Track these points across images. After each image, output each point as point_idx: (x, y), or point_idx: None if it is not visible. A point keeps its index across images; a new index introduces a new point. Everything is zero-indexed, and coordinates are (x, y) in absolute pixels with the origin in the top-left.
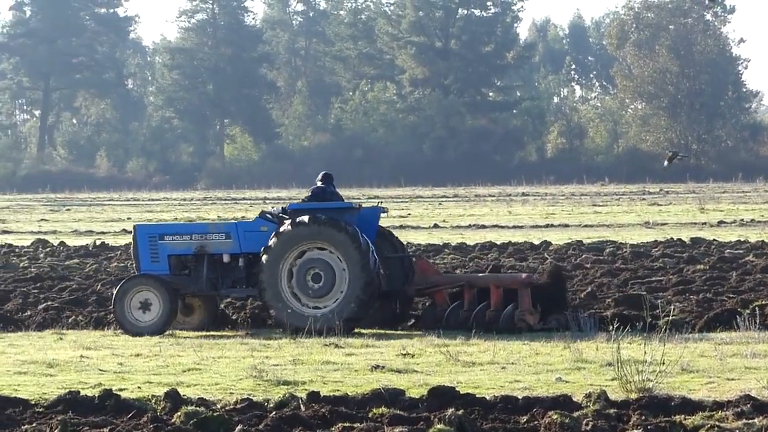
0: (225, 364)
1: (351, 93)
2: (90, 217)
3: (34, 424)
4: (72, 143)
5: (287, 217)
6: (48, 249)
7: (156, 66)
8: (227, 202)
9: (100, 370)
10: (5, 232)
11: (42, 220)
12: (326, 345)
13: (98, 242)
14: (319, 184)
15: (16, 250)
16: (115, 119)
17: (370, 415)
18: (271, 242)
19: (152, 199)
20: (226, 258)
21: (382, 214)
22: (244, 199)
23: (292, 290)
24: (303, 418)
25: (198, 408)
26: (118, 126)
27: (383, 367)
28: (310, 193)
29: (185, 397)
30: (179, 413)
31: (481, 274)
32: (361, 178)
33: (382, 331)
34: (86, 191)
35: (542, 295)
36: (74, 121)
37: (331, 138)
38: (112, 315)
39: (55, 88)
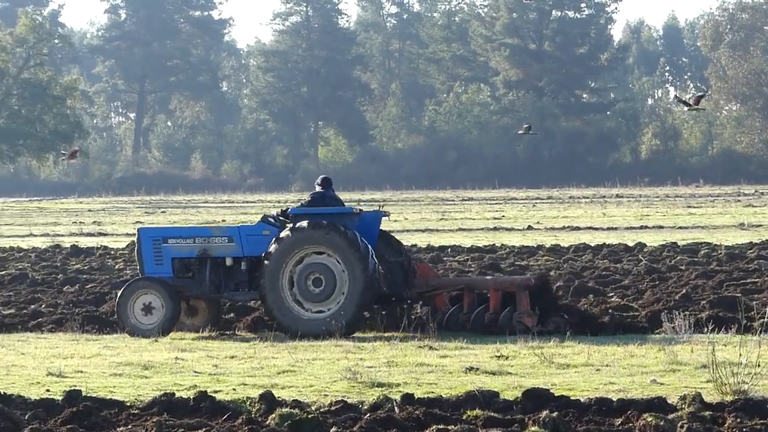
0: (319, 366)
1: (445, 95)
2: (185, 219)
3: (129, 426)
4: (167, 145)
5: (288, 220)
6: None
7: (250, 68)
8: None
9: (195, 371)
10: (101, 234)
11: (137, 222)
12: (420, 347)
13: None
14: (318, 188)
15: (112, 252)
16: (210, 121)
17: (464, 417)
18: (271, 248)
19: (246, 201)
20: (228, 261)
21: (383, 218)
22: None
23: (294, 295)
24: (397, 420)
25: (292, 410)
26: (213, 128)
27: (477, 369)
28: (309, 198)
29: (280, 399)
30: (274, 415)
31: (479, 277)
32: (455, 180)
33: (468, 335)
34: (181, 193)
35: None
36: (169, 123)
37: (425, 140)
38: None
39: (150, 90)
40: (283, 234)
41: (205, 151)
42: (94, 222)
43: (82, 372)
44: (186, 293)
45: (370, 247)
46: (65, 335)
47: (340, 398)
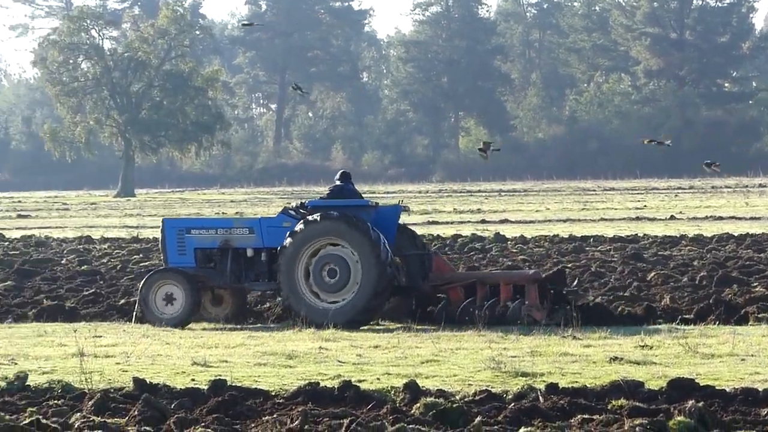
0: (463, 355)
1: (585, 85)
2: None
3: (274, 415)
4: (308, 136)
5: (307, 212)
6: None
7: (390, 59)
8: (462, 194)
9: (339, 361)
10: None
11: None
12: (564, 337)
13: None
14: (337, 182)
15: None
16: (350, 112)
17: (609, 406)
18: (286, 242)
19: (387, 192)
20: (249, 252)
21: (402, 212)
22: (479, 191)
23: (310, 287)
24: (542, 409)
25: (437, 399)
26: (353, 119)
27: (621, 358)
28: (328, 191)
29: (424, 388)
30: (418, 404)
31: (492, 271)
32: (596, 169)
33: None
34: (322, 184)
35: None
36: (310, 114)
37: (566, 130)
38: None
39: (290, 81)
40: (297, 227)
41: (345, 142)
42: (237, 213)
43: (226, 361)
44: (207, 283)
45: (383, 237)
46: (209, 325)
47: (484, 388)
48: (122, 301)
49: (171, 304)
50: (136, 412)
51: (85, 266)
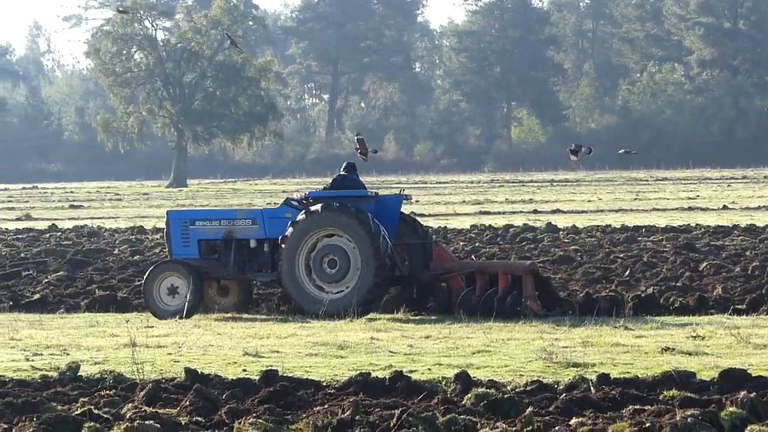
0: (514, 345)
1: (638, 74)
2: None
3: (325, 406)
4: (360, 126)
5: (309, 203)
6: None
7: (443, 49)
8: (514, 184)
9: (390, 351)
10: None
11: None
12: (615, 327)
13: None
14: (342, 171)
15: None
16: (403, 102)
17: (660, 397)
18: (288, 232)
19: (440, 182)
20: (252, 243)
21: (404, 202)
22: (531, 181)
23: (311, 276)
24: (593, 400)
25: (488, 390)
26: (406, 109)
27: (673, 349)
28: (331, 182)
29: (475, 378)
30: (469, 395)
31: (490, 261)
32: (648, 159)
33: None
34: (374, 174)
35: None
36: (362, 104)
37: (618, 120)
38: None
39: (343, 72)
40: (298, 217)
41: (398, 132)
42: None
43: (278, 352)
44: (211, 274)
45: (382, 228)
46: (261, 315)
47: (535, 378)
48: None
49: (174, 296)
50: (187, 403)
51: (137, 256)
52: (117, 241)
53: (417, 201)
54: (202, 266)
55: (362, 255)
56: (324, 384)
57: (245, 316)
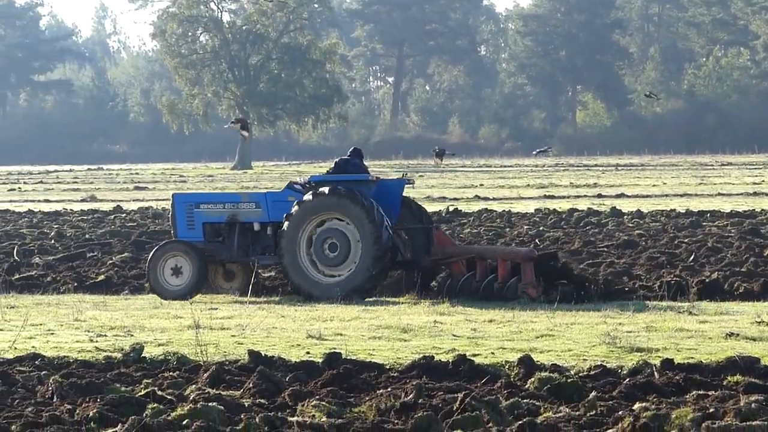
0: (578, 330)
1: (704, 59)
2: (442, 183)
3: (388, 389)
4: (425, 110)
5: (312, 187)
6: None
7: (508, 33)
8: (579, 168)
9: (453, 335)
10: None
11: None
12: (680, 312)
13: (451, 209)
14: (346, 156)
15: None
16: (468, 85)
17: (724, 383)
18: (293, 210)
19: (504, 166)
20: (256, 226)
21: (407, 186)
22: (596, 165)
23: (310, 257)
24: (657, 385)
25: (551, 374)
26: (471, 92)
27: (737, 334)
28: (333, 165)
29: (539, 363)
30: (533, 379)
31: (490, 247)
32: (714, 144)
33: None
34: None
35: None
36: (427, 87)
37: (684, 104)
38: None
39: (408, 54)
40: (305, 197)
41: (462, 115)
42: None
43: (341, 335)
44: (216, 257)
45: (381, 211)
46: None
47: (599, 363)
48: None
49: (178, 276)
50: (251, 385)
51: None
52: None
53: (481, 184)
54: (206, 248)
55: (362, 240)
56: (387, 367)
57: (306, 299)
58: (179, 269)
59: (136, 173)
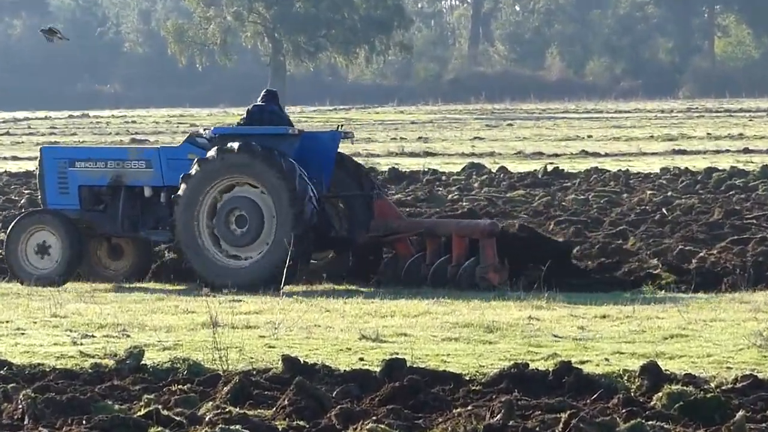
0: (720, 328)
1: None
2: (538, 135)
3: (468, 407)
4: (514, 37)
5: (215, 142)
6: (484, 177)
7: None
8: (719, 114)
9: (554, 336)
10: (428, 153)
11: (475, 138)
12: None
13: (549, 167)
14: (259, 102)
15: (443, 178)
16: (570, 5)
17: None
18: (191, 171)
19: (619, 111)
20: (147, 192)
21: (343, 141)
22: (740, 110)
23: (212, 233)
24: None
25: (685, 387)
26: (575, 14)
27: None
28: (245, 115)
29: (667, 372)
30: (660, 394)
31: (443, 220)
32: None
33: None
34: (532, 100)
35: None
36: (517, 8)
37: None
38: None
39: None
40: (208, 155)
41: (563, 45)
42: (420, 138)
43: (405, 335)
44: (96, 230)
45: (309, 185)
46: (380, 289)
47: (747, 372)
48: None
49: (45, 257)
50: (286, 402)
51: None
52: None
53: (589, 136)
54: (82, 219)
55: (279, 214)
56: (467, 378)
57: (362, 288)
58: (46, 247)
59: (133, 121)
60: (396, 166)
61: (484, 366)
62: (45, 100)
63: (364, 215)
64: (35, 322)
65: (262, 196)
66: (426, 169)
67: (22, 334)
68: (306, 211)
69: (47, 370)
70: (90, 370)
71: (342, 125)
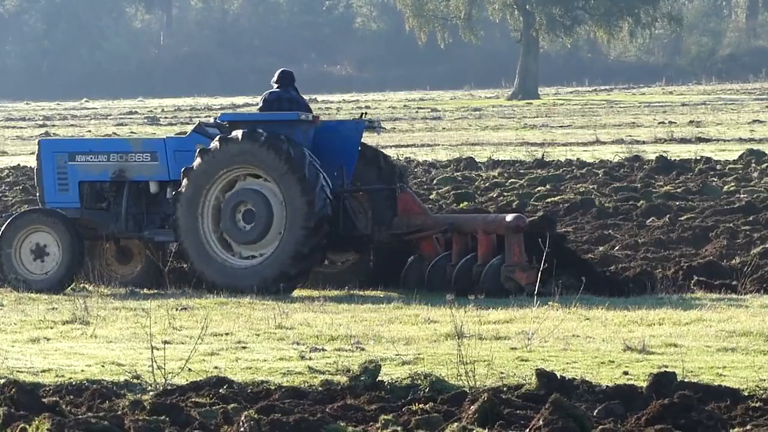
0: None
1: None
2: None
3: (747, 426)
4: None
5: (224, 129)
6: (765, 165)
7: None
8: None
9: None
10: (701, 140)
11: (755, 121)
12: None
13: None
14: (274, 87)
15: (718, 167)
16: None
17: None
18: (194, 164)
19: None
20: (153, 187)
21: (368, 131)
22: None
23: (218, 231)
24: None
25: None
26: None
27: None
28: (261, 102)
29: None
30: None
31: (469, 215)
32: None
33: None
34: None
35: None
36: None
37: None
38: None
39: None
40: (211, 145)
41: None
42: (691, 122)
43: (675, 345)
44: (98, 231)
45: (322, 173)
46: (650, 296)
47: None
48: None
49: (42, 260)
50: (540, 422)
51: (465, 203)
52: (434, 180)
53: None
54: (82, 219)
55: (289, 211)
56: (745, 394)
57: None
58: (43, 249)
59: (367, 107)
60: (664, 154)
61: (765, 380)
62: (267, 83)
63: (387, 211)
64: (258, 335)
65: (271, 189)
66: (698, 157)
67: (244, 348)
68: (317, 199)
69: (272, 388)
70: (320, 388)
71: (364, 113)
